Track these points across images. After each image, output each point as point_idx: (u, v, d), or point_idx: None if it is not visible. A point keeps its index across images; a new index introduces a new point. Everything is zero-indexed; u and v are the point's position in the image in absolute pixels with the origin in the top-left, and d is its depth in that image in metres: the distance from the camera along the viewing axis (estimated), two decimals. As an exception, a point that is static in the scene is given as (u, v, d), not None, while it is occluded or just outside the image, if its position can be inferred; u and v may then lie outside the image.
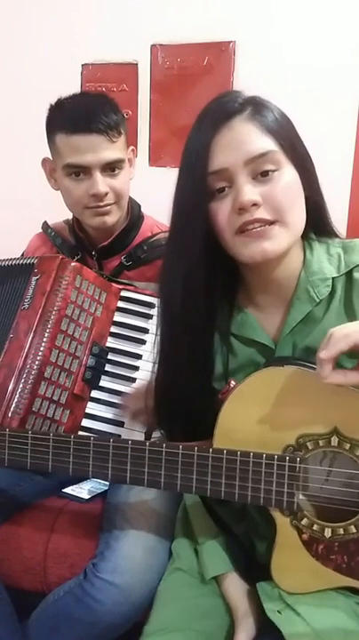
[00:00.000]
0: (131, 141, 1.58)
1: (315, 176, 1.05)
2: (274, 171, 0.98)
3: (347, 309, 1.03)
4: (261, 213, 0.97)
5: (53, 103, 1.50)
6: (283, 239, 0.99)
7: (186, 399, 1.10)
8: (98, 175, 1.43)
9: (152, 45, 2.17)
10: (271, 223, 0.98)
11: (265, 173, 0.97)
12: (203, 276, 1.03)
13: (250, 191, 0.96)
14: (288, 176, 0.99)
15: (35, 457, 1.07)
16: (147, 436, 1.33)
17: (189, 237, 1.02)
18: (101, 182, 1.44)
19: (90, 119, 1.40)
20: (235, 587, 1.07)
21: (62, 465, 1.05)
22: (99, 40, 2.24)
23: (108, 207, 1.48)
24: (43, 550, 1.45)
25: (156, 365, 1.14)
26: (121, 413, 1.35)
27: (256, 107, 1.00)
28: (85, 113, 1.42)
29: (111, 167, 1.45)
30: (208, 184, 0.99)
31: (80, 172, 1.44)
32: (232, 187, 0.98)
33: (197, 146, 0.99)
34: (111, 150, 1.43)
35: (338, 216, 1.11)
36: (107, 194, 1.45)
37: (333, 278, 1.04)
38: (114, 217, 1.50)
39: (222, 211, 0.99)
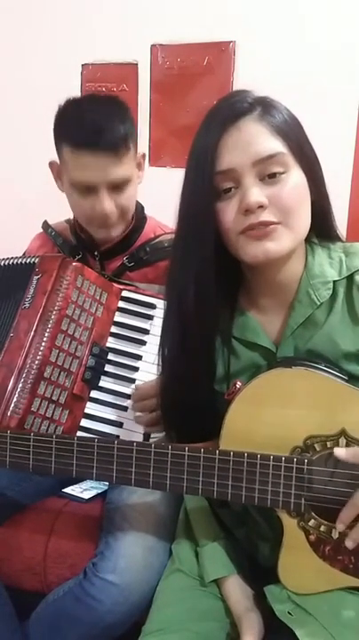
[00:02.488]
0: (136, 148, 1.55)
1: (322, 179, 1.05)
2: (281, 173, 0.97)
3: (350, 313, 1.03)
4: (267, 216, 0.97)
5: (61, 105, 1.45)
6: (286, 241, 0.99)
7: (191, 401, 1.10)
8: (104, 194, 1.39)
9: (152, 45, 2.18)
10: (276, 225, 0.97)
11: (272, 175, 0.97)
12: (213, 277, 1.03)
13: (256, 193, 0.96)
14: (295, 179, 0.99)
15: (38, 459, 1.06)
16: (146, 436, 1.33)
17: (199, 237, 1.01)
18: (107, 202, 1.40)
19: (97, 135, 1.34)
20: (236, 589, 1.06)
21: (65, 467, 1.05)
22: (99, 40, 2.24)
23: (114, 221, 1.45)
24: (43, 550, 1.45)
25: (160, 367, 1.13)
26: (120, 414, 1.35)
27: (265, 107, 0.99)
28: (92, 127, 1.35)
29: (118, 185, 1.41)
30: (214, 184, 0.98)
31: (86, 189, 1.40)
32: (238, 187, 0.98)
33: (205, 145, 0.98)
34: (118, 168, 1.38)
35: (338, 216, 1.11)
36: (112, 211, 1.42)
37: (334, 282, 1.04)
38: (118, 230, 1.49)
39: (228, 211, 0.98)
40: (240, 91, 1.04)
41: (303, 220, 1.01)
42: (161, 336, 1.13)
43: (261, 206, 0.96)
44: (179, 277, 1.05)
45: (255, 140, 0.97)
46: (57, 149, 1.46)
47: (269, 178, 0.97)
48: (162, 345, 1.12)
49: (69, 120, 1.42)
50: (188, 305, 1.04)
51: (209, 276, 1.03)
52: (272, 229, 0.97)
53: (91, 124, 1.37)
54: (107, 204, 1.40)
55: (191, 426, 1.11)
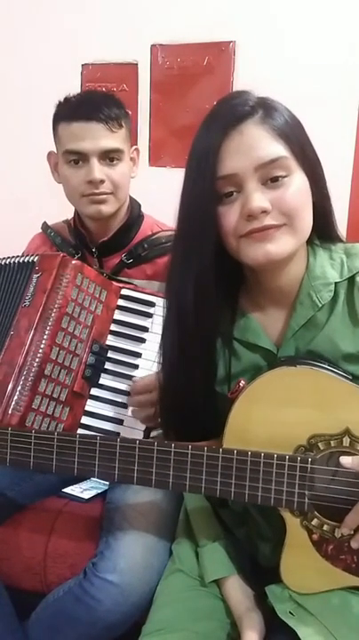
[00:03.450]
0: (132, 141, 1.58)
1: (323, 181, 1.04)
2: (284, 176, 0.97)
3: (351, 314, 1.03)
4: (270, 220, 0.96)
5: (61, 99, 1.52)
6: (287, 243, 0.98)
7: (190, 402, 1.09)
8: (95, 162, 1.45)
9: (152, 45, 2.18)
10: (278, 227, 0.97)
11: (275, 179, 0.96)
12: (213, 279, 1.03)
13: (259, 198, 0.95)
14: (298, 181, 0.98)
15: (39, 457, 1.05)
16: (147, 433, 1.33)
17: (199, 240, 1.01)
18: (98, 169, 1.45)
19: (91, 108, 1.44)
20: (237, 589, 1.06)
21: (67, 465, 1.04)
22: (100, 40, 2.24)
23: (104, 196, 1.49)
24: (43, 550, 1.45)
25: (160, 368, 1.13)
26: (120, 411, 1.35)
27: (267, 110, 0.98)
28: (88, 103, 1.46)
29: (110, 157, 1.47)
30: (216, 188, 0.97)
31: (79, 159, 1.47)
32: (241, 192, 0.97)
33: (206, 149, 0.97)
34: (110, 139, 1.45)
35: (338, 216, 1.10)
36: (103, 182, 1.47)
37: (336, 283, 1.04)
38: (110, 207, 1.51)
39: (229, 216, 0.98)
40: (240, 92, 1.03)
41: (306, 222, 1.00)
42: (161, 337, 1.12)
43: (264, 211, 0.95)
44: (179, 279, 1.05)
45: (257, 144, 0.96)
46: (54, 134, 1.52)
47: (272, 182, 0.97)
48: (162, 346, 1.12)
49: (67, 103, 1.50)
50: (188, 307, 1.04)
51: (209, 279, 1.02)
52: (274, 231, 0.97)
53: (87, 101, 1.48)
54: (98, 171, 1.45)
55: (190, 427, 1.10)
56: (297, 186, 0.98)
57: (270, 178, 0.96)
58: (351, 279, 1.04)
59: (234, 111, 0.98)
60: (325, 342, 1.03)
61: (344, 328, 1.03)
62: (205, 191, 0.98)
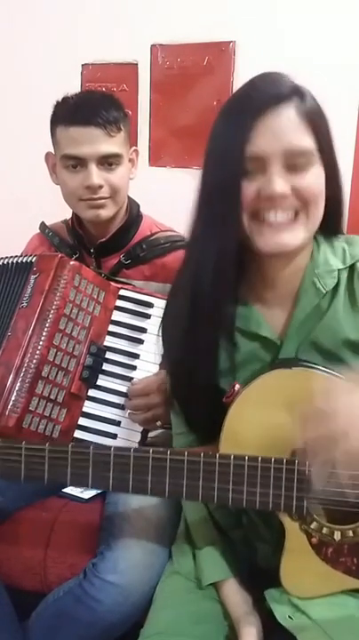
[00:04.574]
0: (132, 141, 1.58)
1: (339, 180, 1.06)
2: (306, 166, 0.97)
3: (352, 302, 1.04)
4: (287, 205, 0.97)
5: (59, 99, 1.52)
6: (300, 233, 0.99)
7: (200, 381, 1.08)
8: (93, 167, 1.44)
9: (152, 45, 2.18)
10: (295, 214, 0.98)
11: (298, 167, 0.97)
12: (234, 256, 1.01)
13: (281, 183, 0.96)
14: (317, 173, 0.99)
15: (30, 469, 1.02)
16: (144, 435, 1.33)
17: (223, 216, 1.00)
18: (96, 175, 1.44)
19: (90, 112, 1.42)
20: (234, 593, 1.06)
21: (59, 477, 1.02)
22: (99, 40, 2.24)
23: (103, 200, 1.48)
24: (43, 550, 1.44)
25: (166, 361, 1.12)
26: (118, 412, 1.35)
27: (303, 98, 0.99)
28: (87, 107, 1.45)
29: (108, 161, 1.46)
30: (243, 162, 0.97)
31: (77, 163, 1.46)
32: (263, 173, 0.97)
33: (239, 122, 0.96)
34: (108, 144, 1.44)
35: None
36: (101, 187, 1.46)
37: (338, 270, 1.05)
38: (108, 211, 1.50)
39: (248, 193, 0.98)
40: (278, 73, 1.02)
41: (319, 212, 1.01)
42: (163, 322, 1.12)
43: (283, 197, 0.96)
44: (198, 259, 1.04)
45: (290, 131, 0.96)
46: (52, 136, 1.51)
47: (294, 168, 0.97)
48: (165, 330, 1.12)
49: (65, 104, 1.49)
50: (206, 284, 1.03)
51: (229, 258, 1.01)
52: (289, 222, 0.98)
53: (85, 104, 1.46)
54: (96, 176, 1.45)
55: (205, 412, 1.09)
56: (316, 176, 0.99)
57: (293, 164, 0.97)
58: (352, 267, 1.05)
59: (275, 89, 0.98)
60: (326, 330, 1.04)
61: (345, 315, 1.04)
62: (235, 166, 0.97)
